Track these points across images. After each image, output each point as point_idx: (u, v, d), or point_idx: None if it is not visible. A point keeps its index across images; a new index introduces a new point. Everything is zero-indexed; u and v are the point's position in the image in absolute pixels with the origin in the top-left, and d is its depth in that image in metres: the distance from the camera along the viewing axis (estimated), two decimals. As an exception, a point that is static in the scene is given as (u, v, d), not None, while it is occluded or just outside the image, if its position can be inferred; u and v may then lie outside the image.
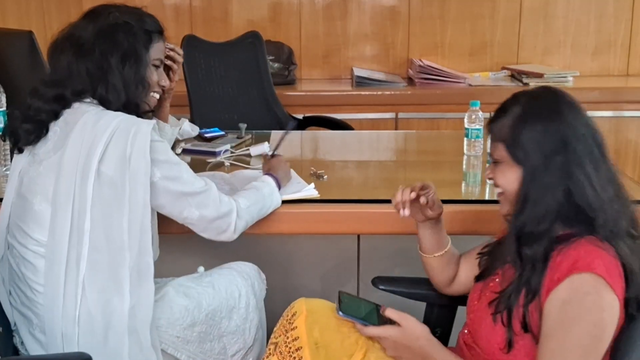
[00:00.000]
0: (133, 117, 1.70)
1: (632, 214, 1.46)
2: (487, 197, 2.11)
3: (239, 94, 3.43)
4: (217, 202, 1.76)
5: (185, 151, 2.59)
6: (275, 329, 1.65)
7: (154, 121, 1.72)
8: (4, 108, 2.27)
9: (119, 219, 1.64)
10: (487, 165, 1.59)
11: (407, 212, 1.63)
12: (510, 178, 1.47)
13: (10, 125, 1.78)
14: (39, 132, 1.73)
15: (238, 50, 3.42)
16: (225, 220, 1.78)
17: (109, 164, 1.64)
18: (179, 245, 2.05)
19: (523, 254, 1.44)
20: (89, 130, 1.66)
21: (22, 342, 1.75)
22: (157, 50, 1.81)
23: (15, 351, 1.75)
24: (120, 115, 1.69)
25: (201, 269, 2.00)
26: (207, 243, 1.84)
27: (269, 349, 1.62)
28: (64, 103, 1.72)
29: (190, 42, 3.35)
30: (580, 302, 1.34)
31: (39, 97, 1.74)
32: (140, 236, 1.65)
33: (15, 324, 1.76)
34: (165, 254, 1.83)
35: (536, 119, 1.43)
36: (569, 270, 1.35)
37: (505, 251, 1.49)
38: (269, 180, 1.97)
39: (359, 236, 2.41)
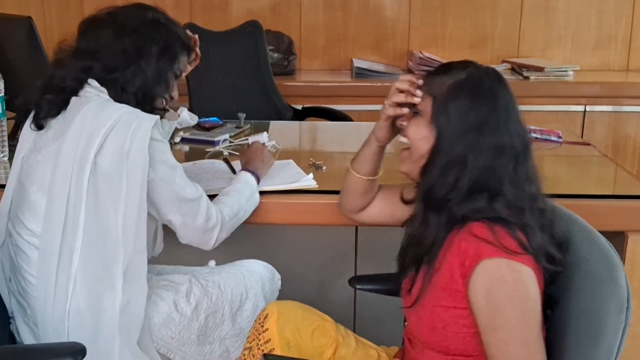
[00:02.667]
0: (137, 111, 1.67)
1: (539, 194, 1.46)
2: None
3: (238, 83, 3.42)
4: (205, 214, 1.72)
5: (183, 140, 2.58)
6: (248, 334, 1.65)
7: (157, 118, 1.68)
8: (2, 94, 2.26)
9: (113, 215, 1.61)
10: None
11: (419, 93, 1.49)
12: (422, 133, 1.45)
13: (31, 96, 1.74)
14: (62, 103, 1.70)
15: (238, 40, 3.41)
16: (208, 234, 1.75)
17: (105, 156, 1.61)
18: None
19: (429, 218, 1.45)
20: (89, 121, 1.64)
21: (17, 331, 1.74)
22: (184, 63, 1.83)
23: (12, 338, 1.74)
24: (124, 108, 1.66)
25: (212, 263, 1.97)
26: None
27: (244, 354, 1.61)
28: (90, 76, 1.69)
29: (190, 31, 3.32)
30: (503, 285, 1.35)
31: (65, 67, 1.71)
32: (135, 235, 1.62)
33: (12, 312, 1.75)
34: (178, 241, 1.80)
35: (473, 91, 1.42)
36: (477, 255, 1.36)
37: (415, 210, 1.50)
38: (250, 180, 1.93)
39: (356, 228, 2.40)
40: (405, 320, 1.60)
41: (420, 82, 1.49)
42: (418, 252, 1.48)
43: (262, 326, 1.60)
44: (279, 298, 1.94)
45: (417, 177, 1.50)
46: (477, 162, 1.40)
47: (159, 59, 1.72)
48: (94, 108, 1.65)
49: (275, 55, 3.86)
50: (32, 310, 1.68)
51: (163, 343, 1.72)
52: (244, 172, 1.96)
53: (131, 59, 1.69)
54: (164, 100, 1.80)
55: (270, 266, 1.96)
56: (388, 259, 2.34)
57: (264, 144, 2.14)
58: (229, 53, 3.41)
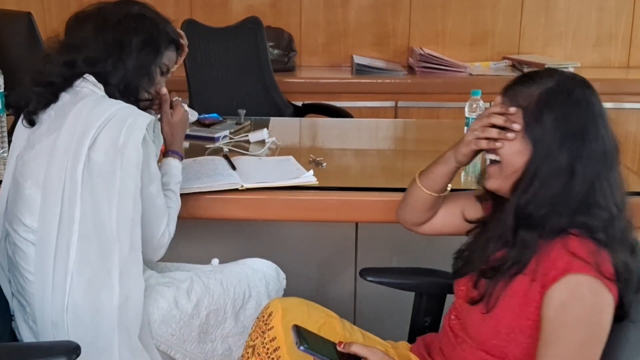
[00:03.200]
0: (133, 108, 1.68)
1: (630, 226, 1.43)
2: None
3: (238, 79, 3.41)
4: (162, 231, 1.70)
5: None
6: (250, 332, 1.62)
7: (153, 118, 1.68)
8: (2, 90, 2.25)
9: (107, 209, 1.61)
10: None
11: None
12: (515, 148, 1.40)
13: (21, 90, 1.76)
14: (50, 97, 1.71)
15: (238, 36, 3.40)
16: (156, 251, 1.72)
17: (99, 150, 1.61)
18: (197, 232, 2.03)
19: (519, 236, 1.40)
20: (84, 116, 1.64)
21: (18, 329, 1.74)
22: (170, 58, 1.82)
23: (14, 336, 1.74)
24: (119, 104, 1.67)
25: (215, 261, 1.97)
26: (212, 230, 1.81)
27: (247, 352, 1.58)
28: (74, 70, 1.70)
29: (190, 27, 3.33)
30: (580, 304, 1.32)
31: (51, 61, 1.73)
32: (131, 230, 1.61)
33: (13, 311, 1.75)
34: (182, 238, 1.79)
35: (566, 100, 1.38)
36: (564, 269, 1.33)
37: (499, 227, 1.44)
38: (178, 166, 1.87)
39: (357, 224, 2.40)
40: (451, 313, 1.58)
41: (513, 109, 1.42)
42: (495, 265, 1.43)
43: (267, 324, 1.57)
44: (280, 295, 1.94)
45: (507, 193, 1.45)
46: (585, 170, 1.36)
47: (140, 51, 1.72)
48: (89, 103, 1.66)
49: (276, 51, 3.86)
50: (30, 307, 1.67)
51: (163, 340, 1.71)
52: (170, 159, 1.87)
53: (112, 52, 1.70)
54: (148, 94, 1.79)
55: (274, 265, 1.95)
56: (388, 255, 2.35)
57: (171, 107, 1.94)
58: (229, 49, 3.40)
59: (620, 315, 1.36)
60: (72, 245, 1.61)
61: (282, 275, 1.96)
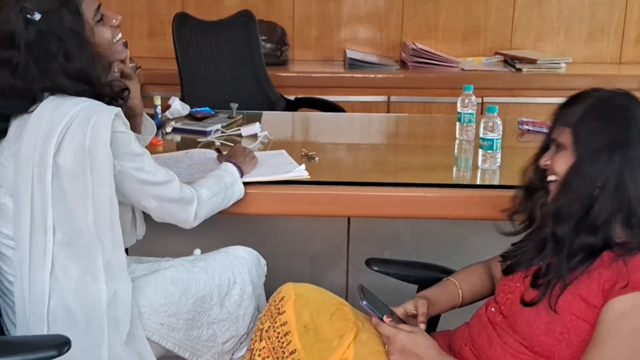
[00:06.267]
0: (95, 104, 1.61)
1: None
2: (478, 182, 2.11)
3: (230, 73, 3.40)
4: (178, 191, 1.72)
5: (175, 130, 2.57)
6: (261, 315, 1.63)
7: (117, 110, 1.62)
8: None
9: (83, 215, 1.58)
10: (544, 154, 1.58)
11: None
12: (568, 164, 1.48)
13: None
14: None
15: (230, 30, 3.39)
16: (185, 210, 1.74)
17: (65, 156, 1.57)
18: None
19: (556, 233, 1.46)
20: (45, 119, 1.58)
21: (6, 327, 1.73)
22: (88, 6, 1.66)
23: (3, 332, 1.73)
24: (82, 102, 1.60)
25: (197, 251, 1.97)
26: (205, 224, 1.82)
27: (256, 336, 1.59)
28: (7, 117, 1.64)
29: (182, 20, 3.32)
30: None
31: None
32: (112, 233, 1.61)
33: (1, 307, 1.74)
34: (162, 232, 1.80)
35: (603, 111, 1.47)
36: (634, 287, 1.37)
37: (541, 233, 1.52)
38: (232, 169, 1.93)
39: (349, 218, 2.40)
40: (489, 306, 1.61)
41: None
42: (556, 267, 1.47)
43: (278, 309, 1.58)
44: (266, 285, 1.94)
45: None
46: (634, 176, 1.42)
47: (69, 62, 1.61)
48: (50, 104, 1.60)
49: (268, 45, 3.84)
50: (14, 309, 1.67)
51: (154, 330, 1.71)
52: (225, 162, 1.97)
53: (51, 87, 1.62)
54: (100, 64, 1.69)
55: (255, 252, 1.96)
56: (381, 250, 2.35)
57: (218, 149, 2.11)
58: (221, 43, 3.39)
59: None
60: (47, 254, 1.59)
61: (263, 261, 1.97)
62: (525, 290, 1.52)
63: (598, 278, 1.41)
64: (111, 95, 1.70)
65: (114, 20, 1.74)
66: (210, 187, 1.82)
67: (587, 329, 1.41)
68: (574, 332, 1.42)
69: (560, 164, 1.50)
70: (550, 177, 1.54)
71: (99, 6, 1.70)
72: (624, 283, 1.37)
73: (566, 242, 1.46)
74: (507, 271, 1.61)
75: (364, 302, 1.53)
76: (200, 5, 3.96)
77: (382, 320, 1.54)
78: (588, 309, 1.41)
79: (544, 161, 1.56)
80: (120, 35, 1.78)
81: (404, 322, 1.58)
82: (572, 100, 1.53)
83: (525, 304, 1.49)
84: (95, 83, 1.65)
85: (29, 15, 1.59)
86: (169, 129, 2.55)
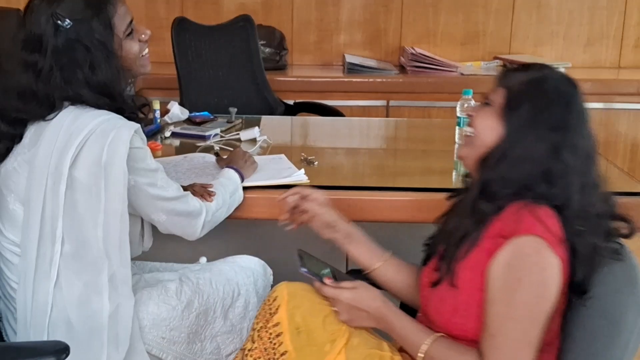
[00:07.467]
0: (115, 119, 1.60)
1: (610, 215, 1.47)
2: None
3: (229, 78, 3.40)
4: (188, 208, 1.72)
5: (174, 134, 2.57)
6: (257, 314, 1.62)
7: (137, 126, 1.61)
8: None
9: (92, 228, 1.57)
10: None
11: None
12: (490, 125, 1.45)
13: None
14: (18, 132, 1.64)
15: (229, 34, 3.39)
16: (193, 224, 1.74)
17: (82, 169, 1.56)
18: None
19: (478, 207, 1.44)
20: (64, 129, 1.57)
21: (6, 332, 1.73)
22: (120, 20, 1.65)
23: (2, 337, 1.73)
24: (102, 115, 1.59)
25: (203, 259, 1.96)
26: (213, 230, 1.81)
27: (251, 336, 1.59)
28: (24, 123, 1.63)
29: (181, 25, 3.32)
30: (522, 263, 1.35)
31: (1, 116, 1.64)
32: (119, 248, 1.59)
33: (1, 312, 1.73)
34: (168, 236, 1.79)
35: (550, 92, 1.44)
36: (510, 234, 1.36)
37: (463, 206, 1.51)
38: (234, 176, 1.93)
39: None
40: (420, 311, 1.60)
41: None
42: (457, 240, 1.47)
43: (271, 309, 1.57)
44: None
45: (471, 166, 1.51)
46: (561, 164, 1.40)
47: (93, 73, 1.60)
48: (70, 115, 1.59)
49: (267, 50, 3.85)
50: (16, 316, 1.66)
51: (154, 344, 1.69)
52: (227, 169, 1.96)
53: (73, 97, 1.61)
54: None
55: (262, 261, 1.94)
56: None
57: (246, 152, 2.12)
58: (220, 47, 3.39)
59: (582, 290, 1.40)
60: (53, 265, 1.58)
61: (269, 271, 1.96)
62: (431, 276, 1.53)
63: (484, 242, 1.41)
64: (131, 109, 1.68)
65: (143, 35, 1.74)
66: (217, 199, 1.81)
67: (483, 295, 1.40)
68: (475, 304, 1.41)
69: (481, 119, 1.48)
70: (468, 130, 1.52)
71: (131, 21, 1.69)
72: (504, 237, 1.37)
73: (476, 206, 1.44)
74: (424, 261, 1.62)
75: (303, 270, 1.54)
76: (199, 10, 3.96)
77: (323, 283, 1.55)
78: (479, 276, 1.40)
79: (466, 110, 1.55)
80: (147, 50, 1.76)
81: (347, 278, 1.58)
82: (521, 68, 1.51)
83: (434, 284, 1.49)
84: (117, 97, 1.64)
85: (59, 22, 1.58)
86: (167, 134, 2.55)
